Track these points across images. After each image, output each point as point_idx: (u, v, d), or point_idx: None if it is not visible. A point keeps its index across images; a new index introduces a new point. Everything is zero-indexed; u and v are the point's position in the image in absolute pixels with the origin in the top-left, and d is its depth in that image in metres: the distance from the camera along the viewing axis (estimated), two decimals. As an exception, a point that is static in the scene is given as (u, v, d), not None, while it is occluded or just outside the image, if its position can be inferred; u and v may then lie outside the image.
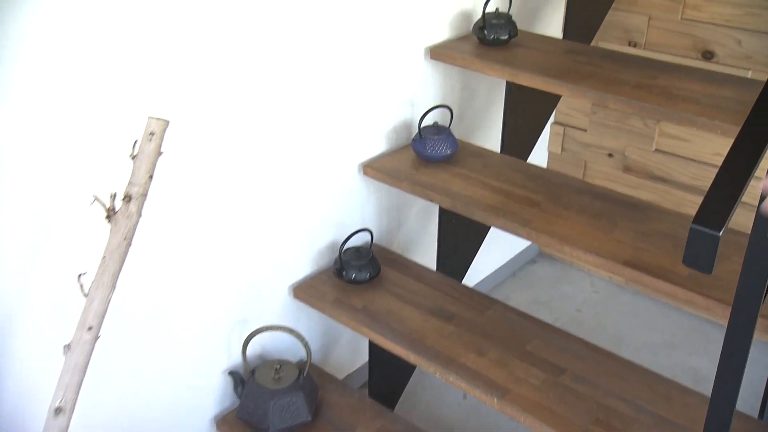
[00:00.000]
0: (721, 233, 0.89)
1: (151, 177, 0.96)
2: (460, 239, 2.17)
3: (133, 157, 0.95)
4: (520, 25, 2.09)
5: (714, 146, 2.30)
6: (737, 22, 2.25)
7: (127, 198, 0.95)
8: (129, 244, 0.98)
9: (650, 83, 1.75)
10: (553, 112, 2.68)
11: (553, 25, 2.45)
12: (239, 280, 1.68)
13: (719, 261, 0.98)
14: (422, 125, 1.92)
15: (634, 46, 2.45)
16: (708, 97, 1.68)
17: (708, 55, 2.33)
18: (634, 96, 1.68)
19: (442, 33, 2.01)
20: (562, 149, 2.77)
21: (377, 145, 1.96)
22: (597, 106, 2.54)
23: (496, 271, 2.73)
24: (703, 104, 1.64)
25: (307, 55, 1.62)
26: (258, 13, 1.45)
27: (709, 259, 0.92)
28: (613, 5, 2.44)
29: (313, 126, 1.71)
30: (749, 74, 2.19)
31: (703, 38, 2.32)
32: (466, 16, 2.06)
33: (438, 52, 1.96)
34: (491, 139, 2.37)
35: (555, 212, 1.70)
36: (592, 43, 2.50)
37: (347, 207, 1.92)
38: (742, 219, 1.25)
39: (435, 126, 1.94)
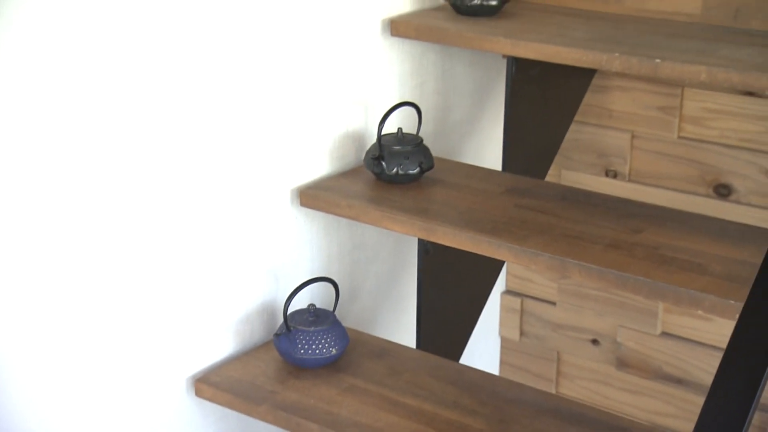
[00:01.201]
0: None
1: None
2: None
3: None
4: (436, 152, 2.15)
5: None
6: (761, 142, 2.33)
7: None
8: None
9: (633, 240, 1.80)
10: (500, 278, 2.67)
11: (487, 149, 2.53)
12: None
13: None
14: (291, 310, 1.89)
15: (614, 176, 2.53)
16: (719, 262, 1.70)
17: (722, 191, 2.40)
18: (607, 262, 1.71)
19: (320, 166, 2.06)
20: (522, 334, 2.80)
21: (221, 345, 1.93)
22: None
23: None
24: (712, 273, 1.66)
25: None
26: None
27: None
28: (580, 118, 2.54)
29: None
30: (784, 219, 2.26)
31: (713, 165, 2.41)
32: (355, 140, 2.12)
33: (312, 196, 1.99)
34: (402, 327, 2.40)
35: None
36: (549, 176, 2.55)
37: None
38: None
39: (311, 310, 1.91)
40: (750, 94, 2.26)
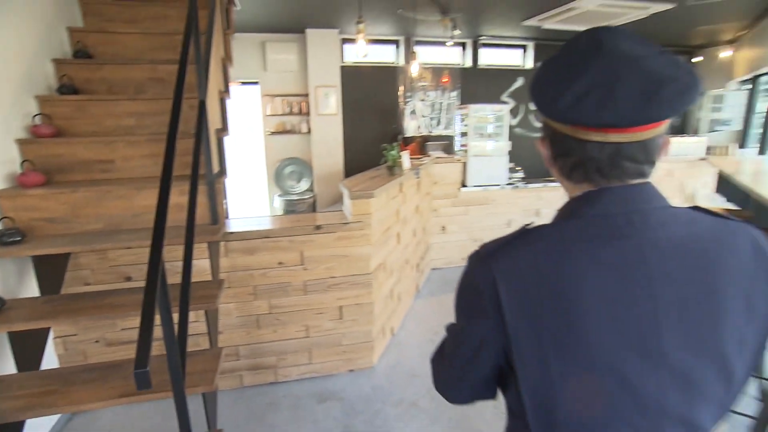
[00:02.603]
0: (148, 368, 1.04)
1: None
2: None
3: None
4: (7, 297, 1.93)
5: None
6: (143, 261, 2.27)
7: None
8: None
9: (100, 303, 1.79)
10: (51, 333, 2.37)
11: (32, 288, 2.15)
12: None
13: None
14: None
15: (89, 285, 2.36)
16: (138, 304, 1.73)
17: (129, 279, 2.35)
18: (95, 314, 1.69)
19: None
20: (65, 350, 2.47)
21: None
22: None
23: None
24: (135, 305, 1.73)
25: None
26: None
27: (149, 383, 1.06)
28: (70, 266, 2.29)
29: None
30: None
31: (124, 271, 2.35)
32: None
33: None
34: (7, 367, 1.98)
35: (71, 390, 1.60)
36: (63, 291, 2.29)
37: None
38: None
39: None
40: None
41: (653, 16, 4.45)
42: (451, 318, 0.74)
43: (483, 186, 4.60)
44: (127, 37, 2.66)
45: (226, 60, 2.93)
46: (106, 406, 1.53)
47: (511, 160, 4.93)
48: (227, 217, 2.56)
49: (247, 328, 2.60)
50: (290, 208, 5.59)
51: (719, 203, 4.42)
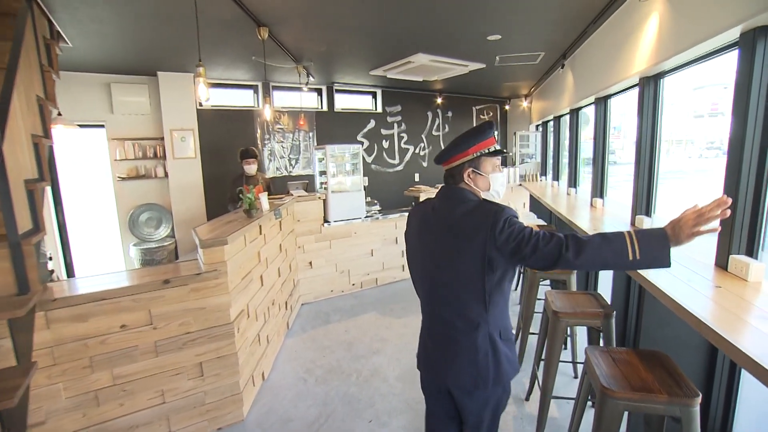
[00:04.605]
0: None
1: None
2: None
3: None
4: None
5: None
6: None
7: None
8: None
9: None
10: None
11: None
12: None
13: None
14: None
15: None
16: None
17: None
18: None
19: None
20: None
21: None
22: None
23: None
24: None
25: None
26: None
27: None
28: None
29: None
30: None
31: None
32: None
33: None
34: None
35: None
36: None
37: None
38: None
39: None
40: None
41: (473, 72, 5.14)
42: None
43: (345, 220, 4.62)
44: None
45: (46, 100, 2.44)
46: None
47: (368, 195, 5.03)
48: (55, 280, 2.08)
49: (83, 409, 2.15)
50: (148, 257, 4.89)
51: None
